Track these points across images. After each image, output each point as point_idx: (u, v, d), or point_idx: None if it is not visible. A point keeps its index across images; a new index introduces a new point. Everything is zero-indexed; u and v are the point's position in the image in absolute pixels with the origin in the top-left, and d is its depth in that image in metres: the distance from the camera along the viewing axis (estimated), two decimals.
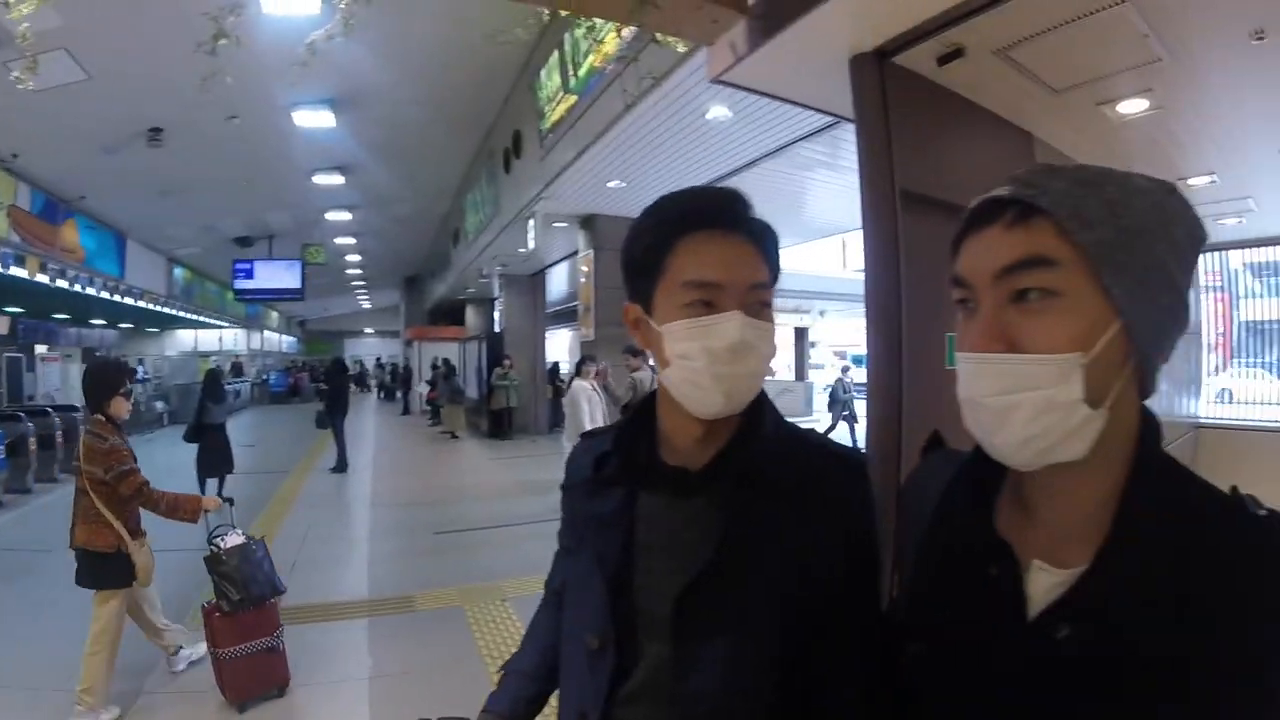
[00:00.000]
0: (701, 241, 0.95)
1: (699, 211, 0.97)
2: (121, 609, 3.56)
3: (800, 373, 22.11)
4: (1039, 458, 0.70)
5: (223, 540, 3.68)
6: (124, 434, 3.66)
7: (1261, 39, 2.83)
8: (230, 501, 4.16)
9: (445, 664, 3.81)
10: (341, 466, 10.77)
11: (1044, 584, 0.74)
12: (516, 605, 4.96)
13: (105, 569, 3.47)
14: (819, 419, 18.46)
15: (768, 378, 1.01)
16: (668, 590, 0.96)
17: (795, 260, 17.61)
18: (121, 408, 3.68)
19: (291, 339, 37.48)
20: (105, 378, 3.74)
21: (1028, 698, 0.71)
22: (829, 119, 3.84)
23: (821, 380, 21.21)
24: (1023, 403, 0.69)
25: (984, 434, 0.74)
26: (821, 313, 22.29)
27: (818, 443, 1.06)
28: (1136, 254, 0.68)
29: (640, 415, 1.08)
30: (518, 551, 6.11)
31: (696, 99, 5.09)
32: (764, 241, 0.98)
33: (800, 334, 22.58)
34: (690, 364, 0.94)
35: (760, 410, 1.02)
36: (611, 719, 1.00)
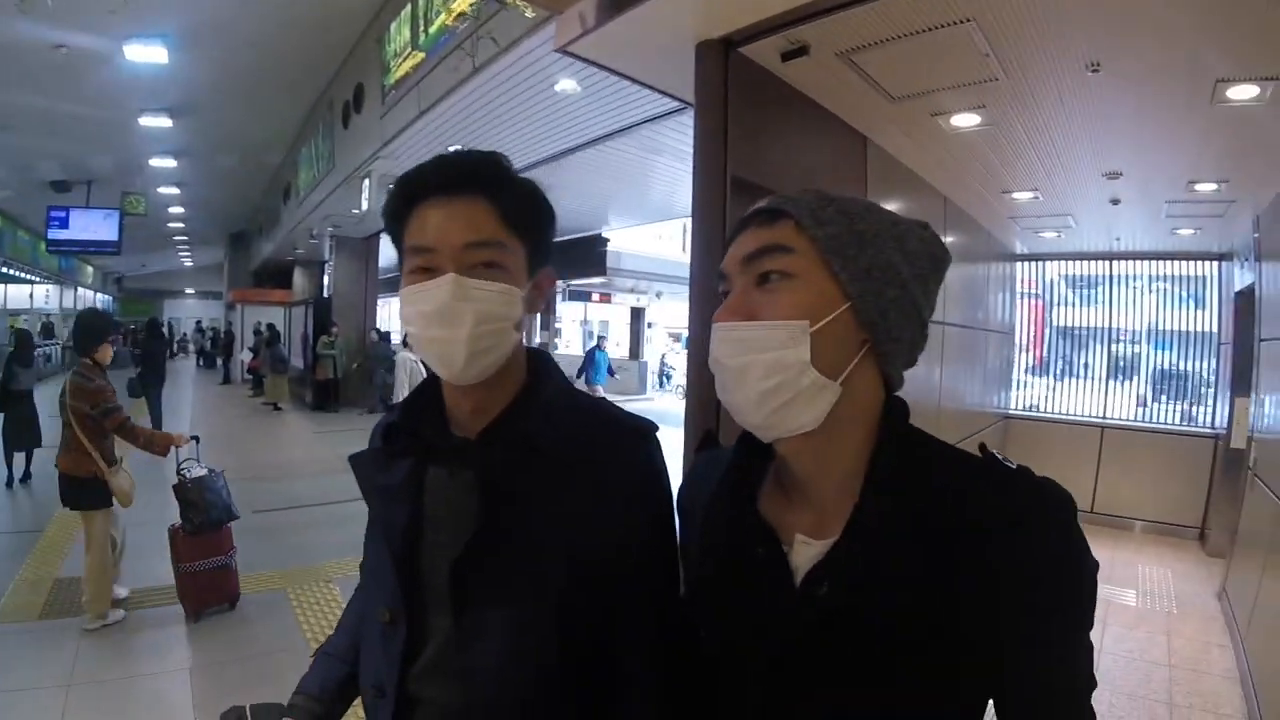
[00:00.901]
0: (428, 207, 0.94)
1: (427, 179, 0.96)
2: (106, 526, 4.20)
3: (636, 352, 22.48)
4: (775, 417, 0.79)
5: (189, 471, 4.40)
6: (107, 377, 4.26)
7: (1096, 71, 2.93)
8: (196, 439, 4.91)
9: (269, 650, 3.68)
10: None
11: (806, 555, 0.82)
12: (342, 586, 4.90)
13: (84, 492, 4.12)
14: (654, 398, 18.97)
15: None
16: (446, 562, 0.97)
17: (634, 241, 17.81)
18: (107, 354, 4.26)
19: (107, 298, 33.84)
20: (95, 326, 4.35)
21: (803, 657, 0.80)
22: (677, 104, 3.75)
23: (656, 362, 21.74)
24: (757, 362, 0.79)
25: (726, 394, 0.83)
26: (659, 294, 22.59)
27: (604, 412, 1.07)
28: (866, 251, 0.80)
29: (429, 386, 1.07)
30: (342, 530, 5.84)
31: (546, 69, 4.89)
32: (501, 198, 0.95)
33: (637, 314, 23.01)
34: (413, 330, 0.95)
35: (540, 379, 1.04)
36: (406, 694, 1.00)
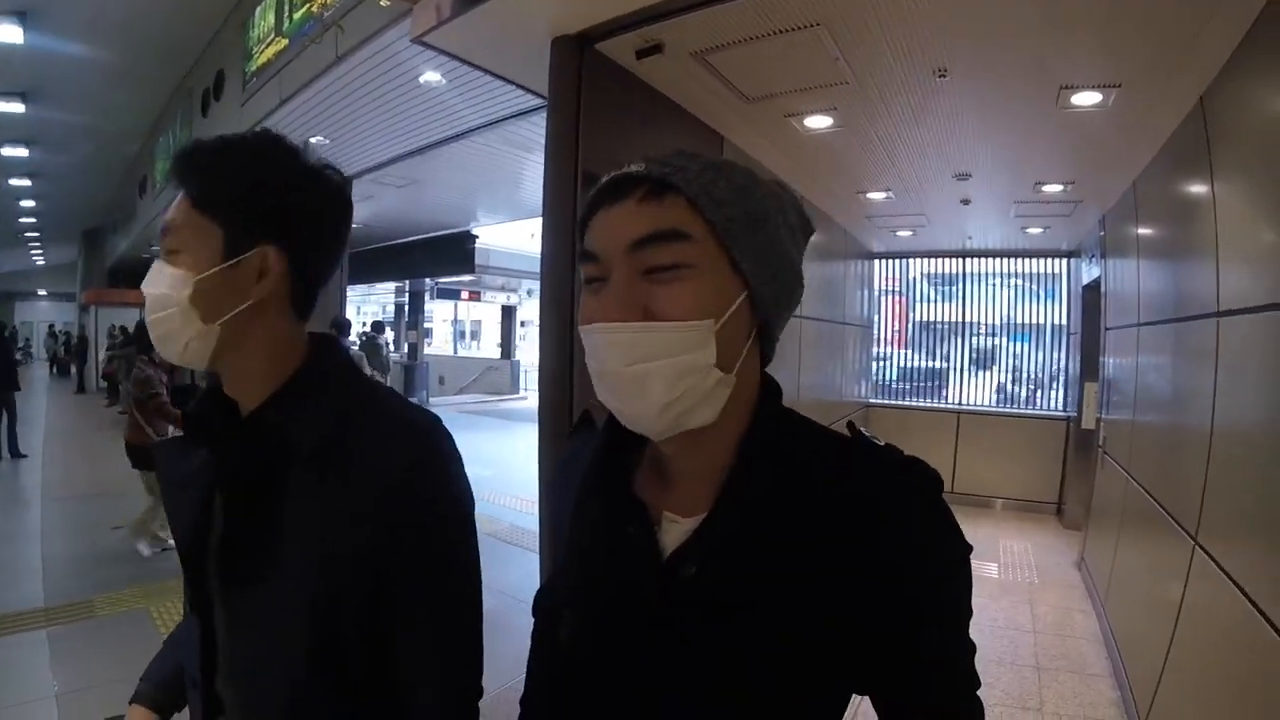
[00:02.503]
0: None
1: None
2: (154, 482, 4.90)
3: (507, 351, 22.24)
4: (676, 422, 0.73)
5: None
6: (157, 369, 5.39)
7: (944, 76, 3.04)
8: None
9: (134, 672, 3.33)
10: (14, 450, 9.38)
11: (675, 534, 0.78)
12: None
13: (141, 456, 5.41)
14: (527, 396, 18.83)
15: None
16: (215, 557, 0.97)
17: (504, 238, 17.36)
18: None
19: None
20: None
21: (668, 636, 0.75)
22: (542, 100, 3.70)
23: (530, 361, 21.44)
24: (660, 370, 0.70)
25: (620, 403, 0.75)
26: (530, 292, 22.46)
27: (378, 404, 1.00)
28: (760, 232, 0.74)
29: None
30: None
31: (409, 60, 4.72)
32: (190, 183, 0.94)
33: (508, 312, 22.79)
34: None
35: (312, 368, 1.00)
36: (213, 692, 1.00)
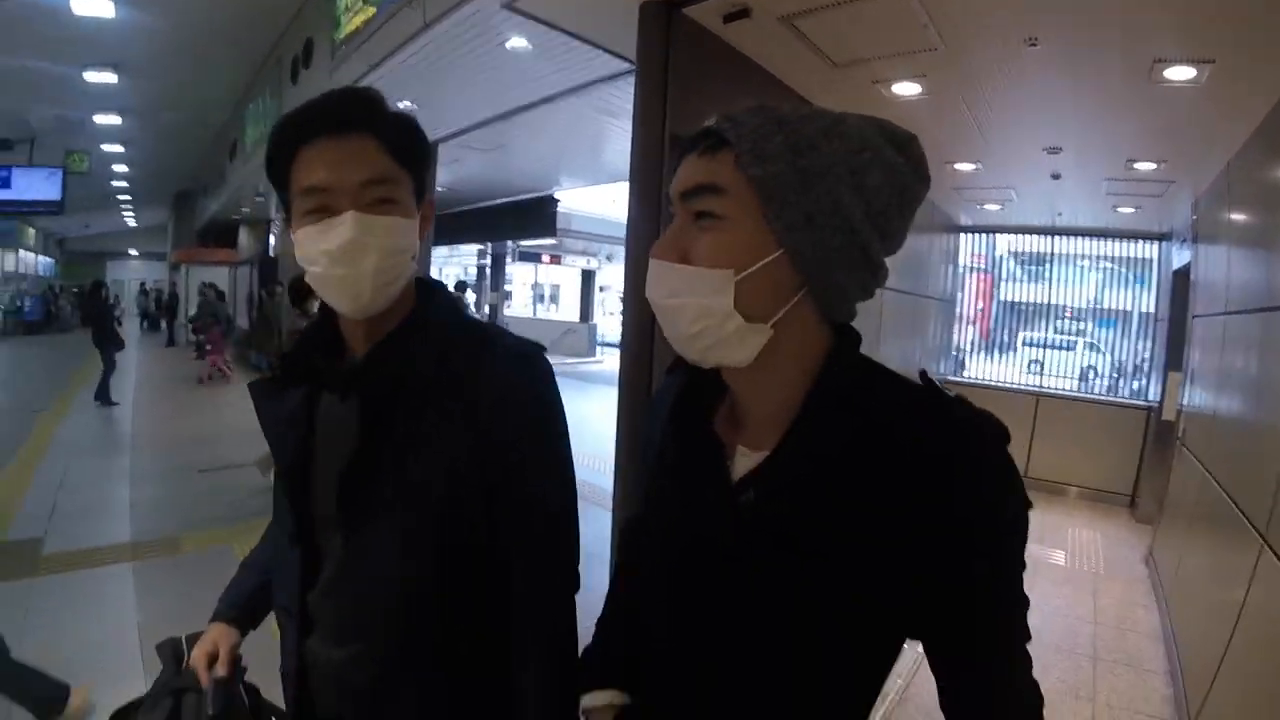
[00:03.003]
0: (316, 148, 0.96)
1: (312, 119, 0.98)
2: None
3: (586, 314, 22.39)
4: (704, 354, 0.81)
5: None
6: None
7: (1034, 45, 2.96)
8: None
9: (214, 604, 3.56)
10: (106, 398, 9.87)
11: (744, 465, 0.84)
12: None
13: None
14: (603, 360, 18.93)
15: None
16: (333, 482, 1.02)
17: (586, 203, 17.61)
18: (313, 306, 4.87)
19: (48, 260, 32.57)
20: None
21: (729, 560, 0.81)
22: (628, 65, 3.73)
23: (607, 325, 21.47)
24: (684, 306, 0.78)
25: (663, 328, 0.83)
26: (609, 257, 22.48)
27: (486, 335, 1.09)
28: (810, 193, 0.74)
29: (322, 318, 1.11)
30: None
31: (496, 26, 4.78)
32: (388, 135, 0.99)
33: (587, 276, 22.87)
34: (315, 269, 0.98)
35: (426, 304, 1.09)
36: (308, 614, 1.09)
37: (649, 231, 2.83)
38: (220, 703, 1.12)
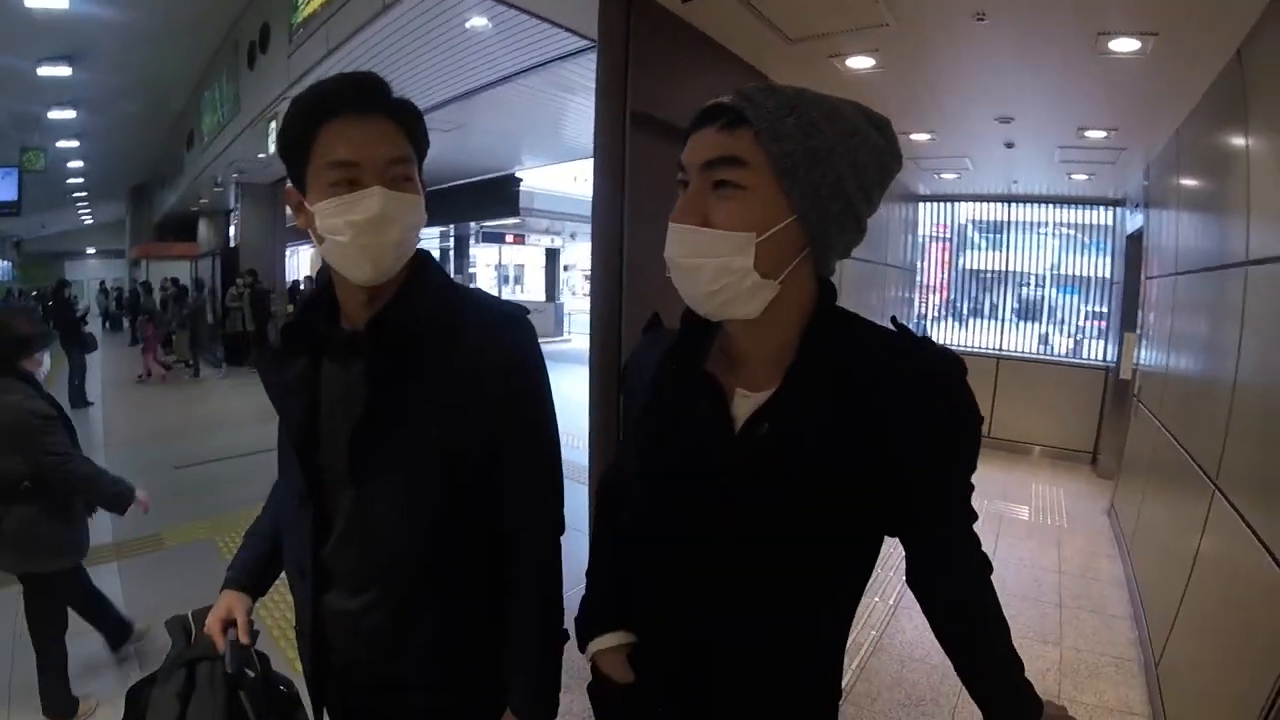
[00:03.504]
0: (341, 125, 1.03)
1: (337, 97, 1.04)
2: None
3: (551, 294, 22.13)
4: (720, 309, 0.91)
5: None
6: None
7: (982, 19, 3.03)
8: None
9: (201, 598, 3.49)
10: (79, 399, 9.69)
11: (746, 406, 0.95)
12: None
13: None
14: (570, 338, 18.76)
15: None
16: (344, 441, 1.10)
17: (548, 181, 17.32)
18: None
19: (5, 263, 31.63)
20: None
21: (736, 489, 0.92)
22: (586, 42, 3.75)
23: (573, 305, 21.27)
24: (706, 265, 0.88)
25: (680, 286, 0.92)
26: (573, 235, 22.31)
27: (476, 299, 1.19)
28: (816, 169, 0.86)
29: (321, 289, 1.18)
30: (266, 478, 5.74)
31: (455, 5, 4.79)
32: (404, 119, 1.08)
33: (551, 255, 22.63)
34: (338, 238, 1.04)
35: (422, 274, 1.15)
36: (322, 570, 1.15)
37: (613, 208, 2.89)
38: (237, 663, 1.17)
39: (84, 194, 21.39)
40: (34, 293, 25.34)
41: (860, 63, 3.63)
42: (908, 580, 1.05)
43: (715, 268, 0.87)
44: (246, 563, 1.32)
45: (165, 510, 5.31)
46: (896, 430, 0.89)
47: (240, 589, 1.29)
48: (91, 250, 35.17)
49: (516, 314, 1.18)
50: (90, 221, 29.06)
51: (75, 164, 16.41)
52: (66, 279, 14.39)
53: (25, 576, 2.95)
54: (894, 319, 0.99)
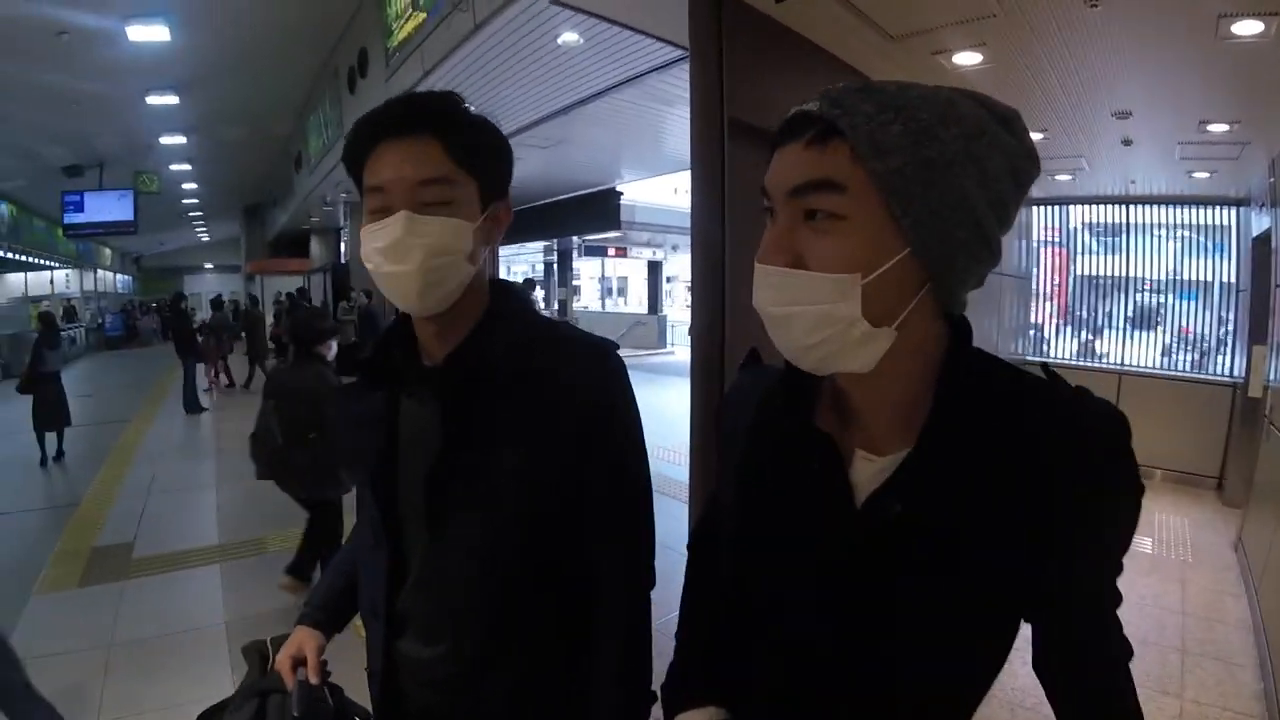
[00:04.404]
0: (382, 149, 0.98)
1: (380, 121, 0.99)
2: None
3: (654, 306, 22.35)
4: (823, 364, 0.75)
5: None
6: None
7: (1095, 6, 2.87)
8: None
9: (299, 602, 3.51)
10: (192, 405, 10.28)
11: (868, 471, 0.78)
12: None
13: None
14: (674, 351, 18.78)
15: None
16: (419, 482, 1.05)
17: (649, 194, 17.52)
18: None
19: (126, 278, 34.05)
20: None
21: (866, 576, 0.77)
22: (681, 52, 3.73)
23: (675, 316, 21.36)
24: (803, 314, 0.72)
25: (773, 337, 0.77)
26: (675, 247, 22.52)
27: (560, 334, 1.12)
28: (934, 186, 0.68)
29: (399, 321, 1.13)
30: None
31: (547, 22, 4.86)
32: (450, 134, 0.99)
33: (654, 267, 22.89)
34: (370, 265, 1.00)
35: (501, 306, 1.09)
36: (395, 612, 1.11)
37: (713, 220, 2.80)
38: (305, 704, 1.13)
39: (199, 214, 22.92)
40: (153, 305, 27.16)
41: (967, 59, 3.47)
42: (1034, 666, 0.85)
43: (814, 317, 0.71)
44: (324, 598, 1.29)
45: (270, 515, 5.55)
46: (1053, 504, 0.72)
47: (315, 625, 1.25)
48: (209, 265, 37.48)
49: (603, 348, 1.10)
50: (207, 239, 30.99)
51: (189, 186, 17.56)
52: (184, 292, 15.32)
53: (311, 502, 3.99)
54: (1045, 366, 0.80)
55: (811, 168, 0.70)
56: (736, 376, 1.03)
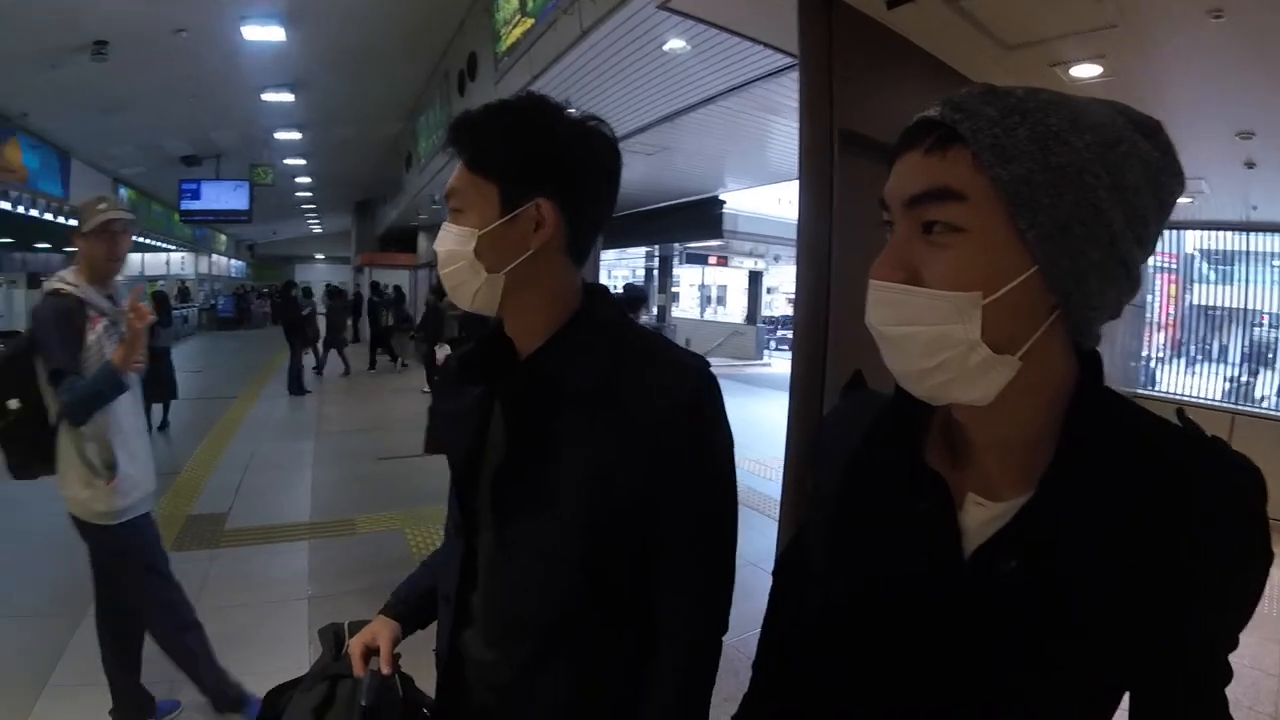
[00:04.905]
0: None
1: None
2: None
3: (753, 316, 22.07)
4: (938, 391, 0.68)
5: None
6: None
7: (1219, 17, 2.76)
8: None
9: (385, 584, 3.70)
10: (297, 388, 10.84)
11: (980, 517, 0.72)
12: None
13: None
14: (770, 362, 18.34)
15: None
16: (489, 485, 1.06)
17: (752, 203, 17.42)
18: None
19: (240, 264, 36.13)
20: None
21: (967, 633, 0.70)
22: (790, 60, 3.73)
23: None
24: (917, 335, 0.66)
25: (886, 359, 0.71)
26: (776, 258, 22.30)
27: (648, 348, 1.06)
28: (1065, 197, 0.62)
29: (499, 320, 1.13)
30: None
31: (654, 29, 4.93)
32: (465, 150, 1.03)
33: (754, 277, 22.68)
34: None
35: (586, 313, 1.07)
36: (464, 603, 1.13)
37: (821, 232, 2.76)
38: (375, 694, 1.12)
39: (312, 206, 24.05)
40: (265, 289, 28.68)
41: (1085, 70, 3.38)
42: None
43: (929, 339, 0.65)
44: (410, 592, 1.29)
45: (361, 499, 5.79)
46: (1184, 568, 0.65)
47: (395, 616, 1.25)
48: (320, 255, 39.36)
49: (694, 367, 1.04)
50: (319, 230, 32.50)
51: (303, 179, 18.42)
52: (294, 280, 16.16)
53: None
54: (1180, 413, 0.72)
55: (930, 176, 0.66)
56: (839, 400, 0.98)
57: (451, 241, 1.03)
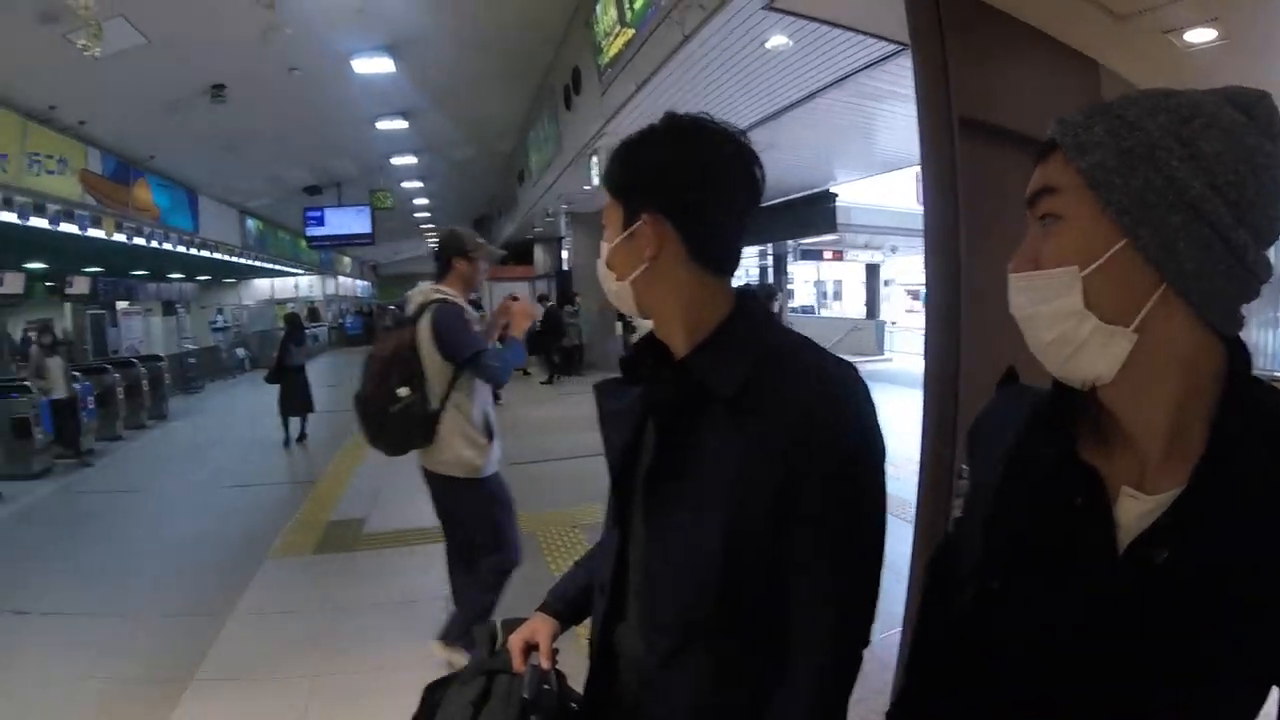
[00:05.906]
0: None
1: None
2: None
3: (872, 310, 21.47)
4: (1065, 366, 0.76)
5: None
6: None
7: None
8: None
9: (516, 586, 3.59)
10: None
11: (1135, 511, 0.74)
12: (587, 532, 5.21)
13: None
14: (891, 357, 17.83)
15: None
16: (640, 484, 1.11)
17: (865, 195, 17.00)
18: None
19: (365, 283, 38.10)
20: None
21: (1121, 626, 0.71)
22: (893, 47, 3.75)
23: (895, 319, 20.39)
24: (1037, 314, 0.76)
25: (1028, 341, 0.80)
26: (894, 249, 21.50)
27: (795, 352, 1.07)
28: (1137, 173, 0.70)
29: None
30: (588, 482, 6.21)
31: (755, 27, 4.99)
32: (606, 174, 1.15)
33: (871, 270, 22.12)
34: None
35: (735, 321, 1.09)
36: (617, 592, 1.18)
37: (947, 224, 2.71)
38: (535, 687, 1.17)
39: (431, 225, 25.03)
40: (390, 306, 30.31)
41: (1200, 35, 3.25)
42: None
43: (1048, 315, 0.75)
44: (566, 590, 1.33)
45: None
46: None
47: (553, 614, 1.30)
48: None
49: (840, 376, 1.04)
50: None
51: (420, 201, 19.35)
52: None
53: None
54: None
55: (1039, 178, 0.78)
56: (993, 395, 1.01)
57: (600, 253, 1.17)
